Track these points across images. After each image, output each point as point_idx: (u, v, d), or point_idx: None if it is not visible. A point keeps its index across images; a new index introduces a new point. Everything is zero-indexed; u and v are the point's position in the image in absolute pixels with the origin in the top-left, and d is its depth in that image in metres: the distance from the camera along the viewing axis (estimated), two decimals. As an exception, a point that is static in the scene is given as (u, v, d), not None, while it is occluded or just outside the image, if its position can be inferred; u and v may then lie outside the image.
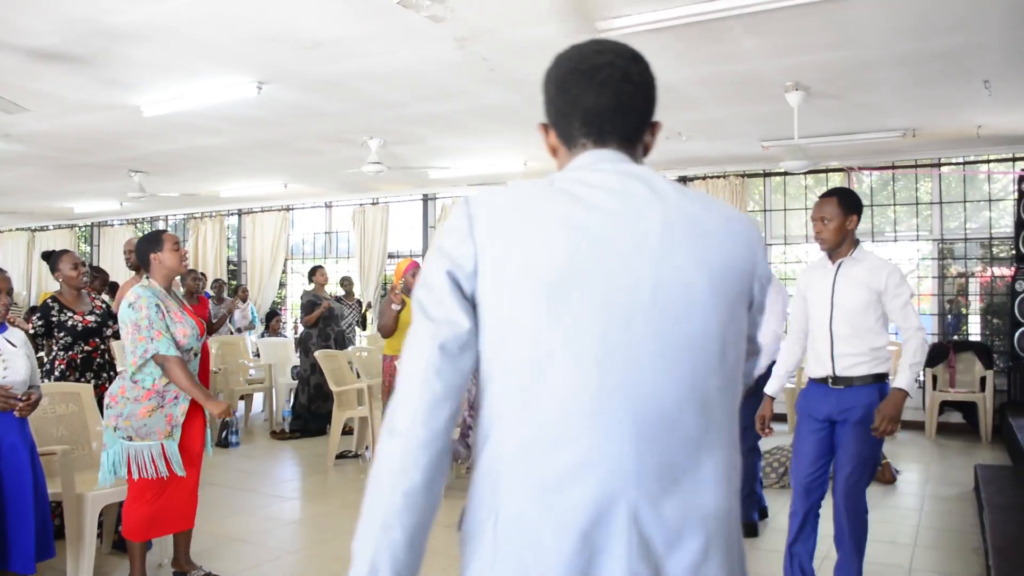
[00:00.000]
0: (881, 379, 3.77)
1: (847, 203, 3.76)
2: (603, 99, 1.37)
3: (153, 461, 3.89)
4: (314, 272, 9.23)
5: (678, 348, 1.26)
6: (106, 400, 4.00)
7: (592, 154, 1.38)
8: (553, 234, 1.27)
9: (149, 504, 3.98)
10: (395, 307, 6.73)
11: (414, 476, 1.23)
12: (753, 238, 1.38)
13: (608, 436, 1.23)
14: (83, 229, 15.98)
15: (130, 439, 3.89)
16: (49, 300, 5.11)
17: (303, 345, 9.03)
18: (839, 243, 3.80)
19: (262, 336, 11.11)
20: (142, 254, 4.12)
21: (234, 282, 13.46)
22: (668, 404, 1.25)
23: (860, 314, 3.74)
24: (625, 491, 1.21)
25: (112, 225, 15.27)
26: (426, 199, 12.06)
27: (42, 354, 5.14)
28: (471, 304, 1.28)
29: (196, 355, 4.13)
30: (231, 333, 10.91)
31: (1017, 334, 8.02)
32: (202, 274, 10.96)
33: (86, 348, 5.04)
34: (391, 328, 6.72)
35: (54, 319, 5.01)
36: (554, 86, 1.42)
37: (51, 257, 5.26)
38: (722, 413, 1.30)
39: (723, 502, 1.28)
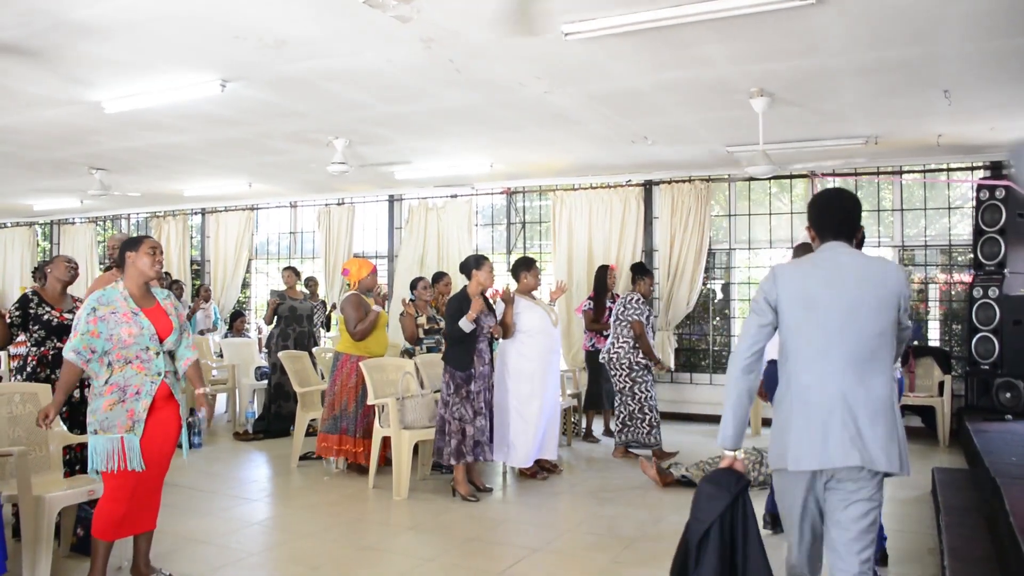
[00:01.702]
0: None
1: None
2: (836, 220, 3.02)
3: (113, 455, 3.92)
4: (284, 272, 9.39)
5: (859, 326, 2.84)
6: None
7: (829, 244, 2.99)
8: (805, 282, 2.93)
9: (125, 503, 4.00)
10: (376, 308, 6.79)
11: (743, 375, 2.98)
12: (901, 278, 2.92)
13: (834, 363, 2.83)
14: (43, 226, 15.70)
15: (95, 432, 3.95)
16: (29, 292, 5.19)
17: (268, 345, 9.00)
18: None
19: (226, 336, 10.99)
20: (121, 252, 4.22)
21: (197, 282, 13.30)
22: (857, 351, 2.83)
23: None
24: (840, 387, 2.82)
25: (73, 223, 15.03)
26: (392, 200, 12.03)
27: (22, 349, 5.23)
28: (774, 311, 2.95)
29: (158, 354, 4.12)
30: (199, 334, 10.81)
31: (974, 340, 8.15)
32: (167, 273, 10.83)
33: (58, 344, 4.99)
34: (370, 331, 6.78)
35: (31, 312, 5.09)
36: (815, 213, 3.08)
37: (45, 264, 5.53)
38: (881, 355, 2.86)
39: (883, 397, 2.82)
